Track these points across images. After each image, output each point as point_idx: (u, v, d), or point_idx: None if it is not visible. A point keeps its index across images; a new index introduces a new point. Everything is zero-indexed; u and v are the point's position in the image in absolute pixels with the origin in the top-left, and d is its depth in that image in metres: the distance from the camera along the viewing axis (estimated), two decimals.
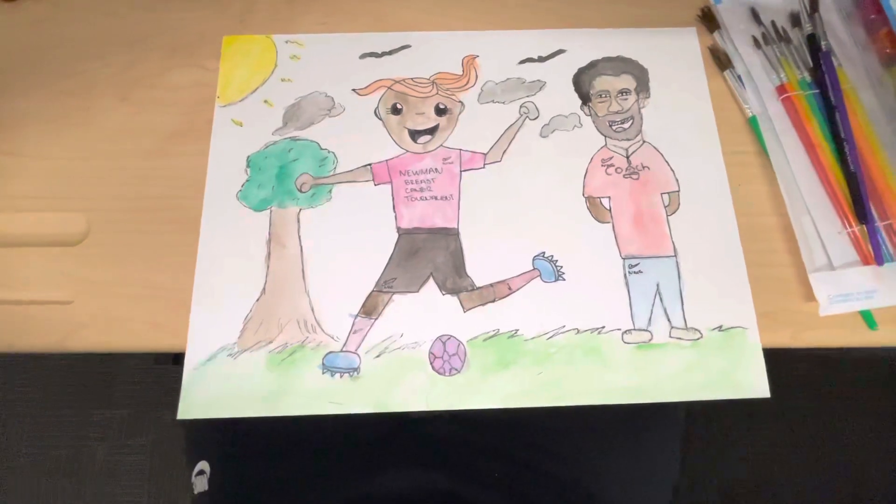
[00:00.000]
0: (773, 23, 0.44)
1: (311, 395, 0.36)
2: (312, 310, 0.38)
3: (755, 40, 0.44)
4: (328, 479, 0.43)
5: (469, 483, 0.42)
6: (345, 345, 0.37)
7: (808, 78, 0.42)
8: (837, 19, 0.45)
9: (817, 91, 0.42)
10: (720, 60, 0.44)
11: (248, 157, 0.41)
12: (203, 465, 0.50)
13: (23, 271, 0.39)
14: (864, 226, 0.38)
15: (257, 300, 0.38)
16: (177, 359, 0.38)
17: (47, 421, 0.96)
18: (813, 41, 0.43)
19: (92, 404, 0.97)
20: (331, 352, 0.37)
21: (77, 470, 0.93)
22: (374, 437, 0.43)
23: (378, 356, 0.37)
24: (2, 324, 0.37)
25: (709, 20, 0.45)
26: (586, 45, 0.44)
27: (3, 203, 0.40)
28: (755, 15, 0.44)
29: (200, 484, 0.48)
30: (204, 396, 0.36)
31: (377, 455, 0.43)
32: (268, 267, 0.39)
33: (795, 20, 0.44)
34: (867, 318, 0.38)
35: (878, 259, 0.38)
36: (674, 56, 0.44)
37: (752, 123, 0.42)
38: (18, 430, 0.95)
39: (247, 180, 0.41)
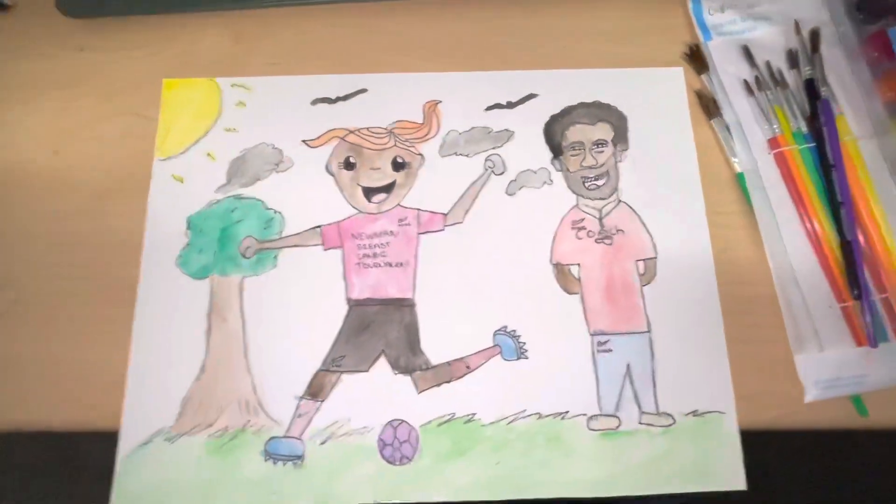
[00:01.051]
0: (767, 63, 0.40)
1: (252, 485, 0.33)
2: (255, 390, 0.35)
3: (747, 85, 0.39)
4: None
5: None
6: (288, 430, 0.34)
7: (803, 129, 0.38)
8: (841, 57, 0.40)
9: (813, 145, 0.38)
10: (707, 108, 0.39)
11: (189, 217, 0.38)
12: None
13: None
14: (858, 301, 0.35)
15: (196, 379, 0.35)
16: None
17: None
18: (811, 86, 0.38)
19: None
20: (273, 437, 0.34)
21: (71, 470, 0.93)
22: None
23: (323, 442, 0.34)
24: None
25: (696, 60, 0.41)
26: (560, 89, 0.40)
27: None
28: (748, 54, 0.40)
29: None
30: (139, 486, 0.33)
31: None
32: (208, 342, 0.36)
33: (793, 60, 0.40)
34: (857, 403, 0.34)
35: (872, 340, 0.34)
36: (656, 101, 0.40)
37: (740, 180, 0.38)
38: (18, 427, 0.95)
39: (187, 244, 0.38)
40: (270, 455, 0.34)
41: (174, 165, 0.39)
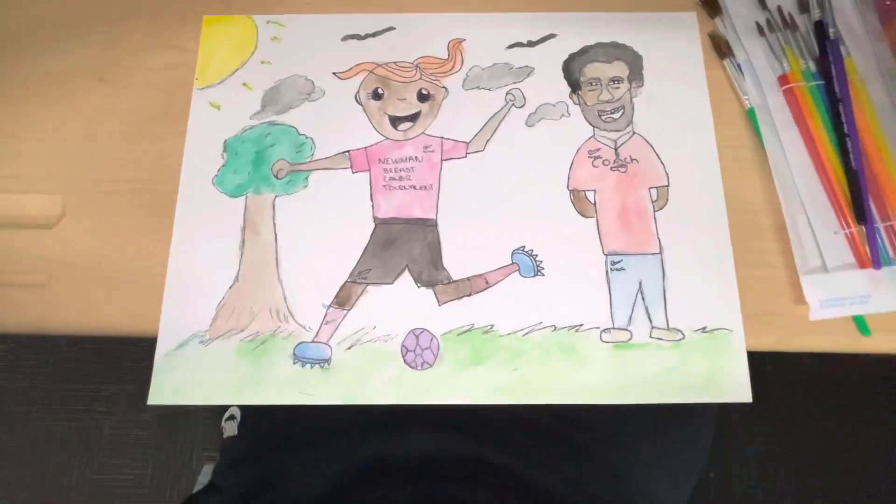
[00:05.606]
0: (779, 8, 0.42)
1: (281, 384, 0.35)
2: (285, 299, 0.37)
3: (759, 27, 0.41)
4: (355, 430, 0.41)
5: (493, 444, 0.40)
6: (316, 335, 0.36)
7: (812, 68, 0.40)
8: (849, 4, 0.42)
9: (822, 83, 0.39)
10: (720, 48, 0.41)
11: (225, 141, 0.40)
12: (234, 410, 0.49)
13: None
14: (862, 226, 0.36)
15: (230, 287, 0.37)
16: None
17: (56, 395, 0.98)
18: (820, 28, 0.40)
19: (100, 379, 0.99)
20: (302, 342, 0.36)
21: (84, 443, 0.95)
22: None
23: (350, 348, 0.36)
24: None
25: (710, 4, 0.42)
26: (578, 30, 0.42)
27: None
28: None
29: (230, 428, 0.48)
30: (174, 383, 0.36)
31: (404, 408, 0.42)
32: (241, 254, 0.38)
33: (804, 6, 0.42)
34: (860, 323, 0.36)
35: (876, 262, 0.36)
36: (671, 43, 0.42)
37: (750, 115, 0.40)
38: (27, 404, 0.97)
39: (223, 165, 0.40)
40: (299, 358, 0.36)
41: (212, 94, 0.41)
